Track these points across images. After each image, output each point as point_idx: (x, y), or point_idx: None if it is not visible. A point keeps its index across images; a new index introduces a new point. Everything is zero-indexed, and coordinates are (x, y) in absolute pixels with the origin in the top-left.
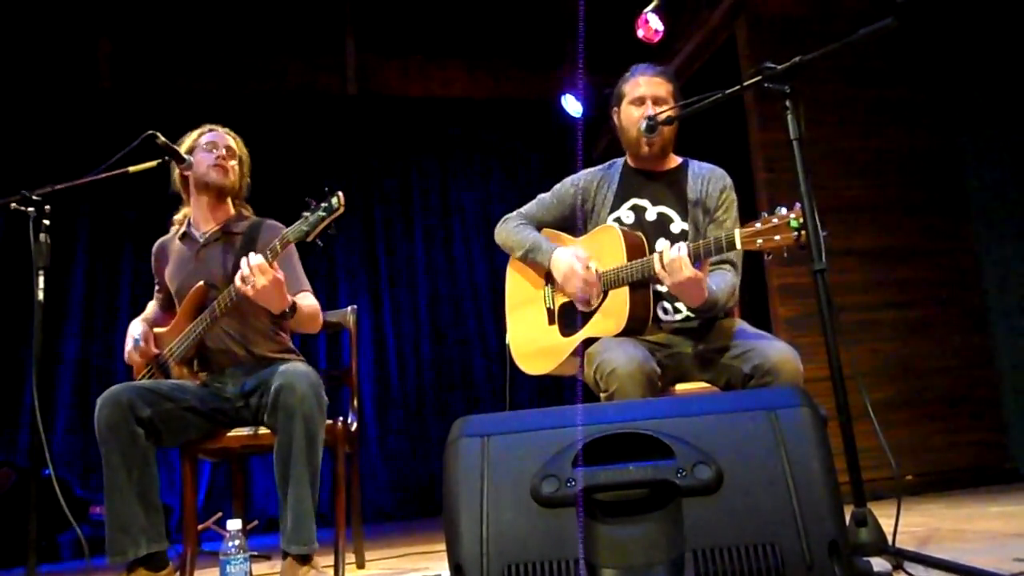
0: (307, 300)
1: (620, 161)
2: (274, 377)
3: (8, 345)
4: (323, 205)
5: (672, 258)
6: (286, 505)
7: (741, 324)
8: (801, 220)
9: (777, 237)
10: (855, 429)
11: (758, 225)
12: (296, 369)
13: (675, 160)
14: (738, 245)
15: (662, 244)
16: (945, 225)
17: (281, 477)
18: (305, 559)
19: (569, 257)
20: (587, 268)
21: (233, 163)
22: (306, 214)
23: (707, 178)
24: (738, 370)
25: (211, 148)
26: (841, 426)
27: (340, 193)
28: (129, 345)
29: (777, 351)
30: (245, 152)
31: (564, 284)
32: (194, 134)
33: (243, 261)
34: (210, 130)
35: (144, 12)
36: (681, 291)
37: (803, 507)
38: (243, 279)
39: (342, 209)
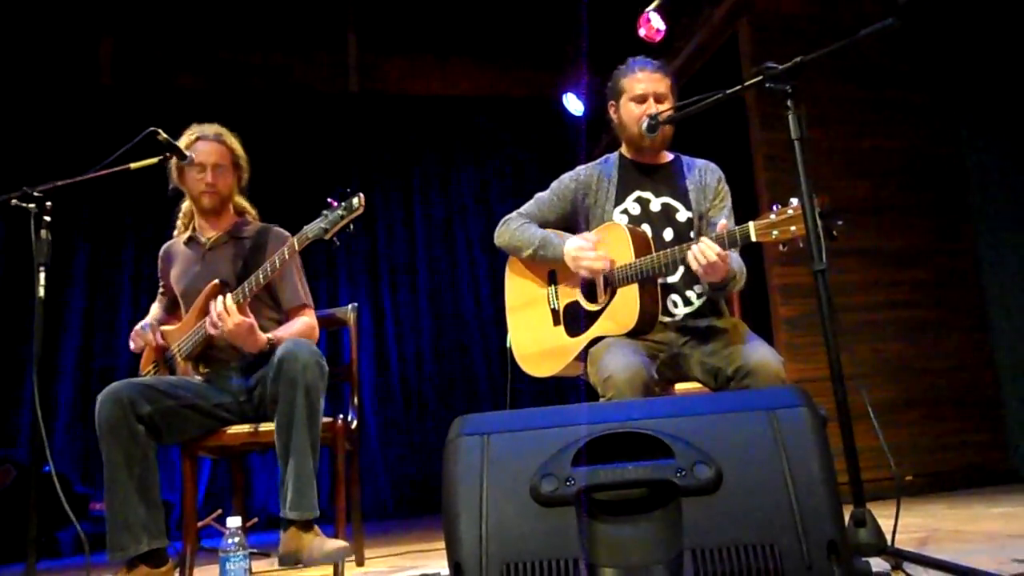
0: (292, 328)
1: (614, 155)
2: (276, 351)
3: (9, 342)
4: (343, 204)
5: (708, 254)
6: (287, 472)
7: (737, 324)
8: (818, 210)
9: (793, 228)
10: (855, 429)
11: (772, 217)
12: (298, 342)
13: (667, 155)
14: (753, 237)
15: (669, 234)
16: (946, 225)
17: (282, 445)
18: (307, 525)
19: (578, 240)
20: (595, 248)
21: (226, 178)
22: (326, 212)
23: (702, 169)
24: (723, 371)
25: (200, 170)
26: (841, 426)
27: (361, 195)
28: (136, 329)
29: (758, 354)
30: (239, 150)
31: (577, 265)
32: (185, 138)
33: (211, 304)
34: (199, 138)
35: (146, 9)
36: (709, 272)
37: (802, 507)
38: (212, 323)
39: (361, 210)
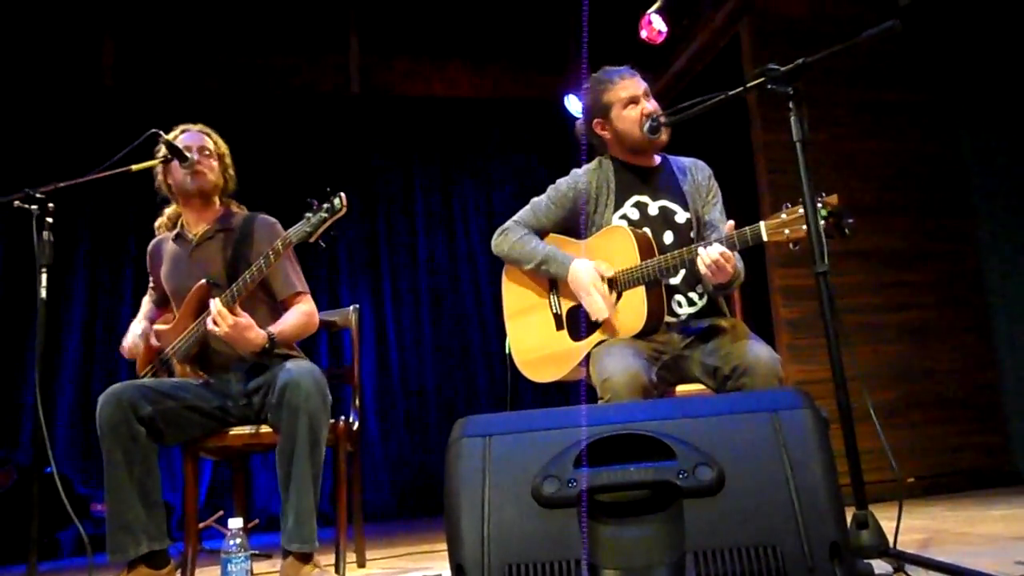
0: (290, 318)
1: (607, 160)
2: (279, 374)
3: (10, 343)
4: (325, 206)
5: (714, 257)
6: (288, 503)
7: (737, 324)
8: (829, 209)
9: (805, 227)
10: (857, 431)
11: (783, 216)
12: (301, 367)
13: (656, 157)
14: (764, 237)
15: (669, 237)
16: (948, 227)
17: (284, 475)
18: (306, 557)
19: (590, 272)
20: (604, 287)
21: (212, 162)
22: (308, 215)
23: (692, 168)
24: (721, 370)
25: (187, 152)
26: (843, 428)
27: (342, 194)
28: (127, 341)
29: (754, 353)
30: (224, 147)
31: (580, 300)
32: (171, 136)
33: (211, 303)
34: (183, 131)
35: (148, 11)
36: (716, 274)
37: (804, 509)
38: (214, 321)
39: (344, 210)
